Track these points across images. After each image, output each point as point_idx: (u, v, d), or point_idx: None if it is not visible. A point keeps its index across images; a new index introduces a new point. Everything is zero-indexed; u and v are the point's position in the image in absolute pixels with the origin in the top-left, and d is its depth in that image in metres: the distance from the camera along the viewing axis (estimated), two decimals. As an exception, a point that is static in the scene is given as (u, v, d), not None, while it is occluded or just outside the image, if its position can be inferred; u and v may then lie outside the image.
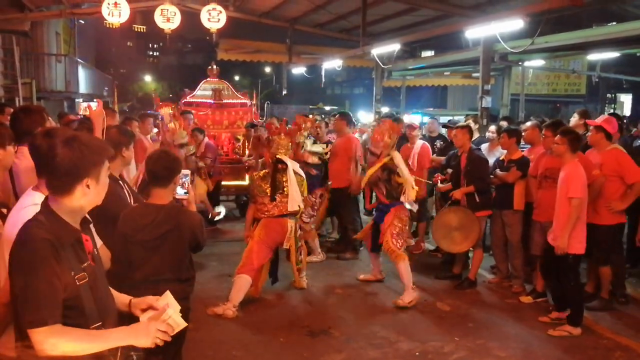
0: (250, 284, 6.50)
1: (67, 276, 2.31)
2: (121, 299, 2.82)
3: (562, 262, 5.88)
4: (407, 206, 6.85)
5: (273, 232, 6.64)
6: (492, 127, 8.84)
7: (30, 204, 2.77)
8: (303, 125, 7.74)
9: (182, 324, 2.53)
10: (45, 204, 2.43)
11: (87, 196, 2.41)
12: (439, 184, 7.85)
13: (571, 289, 5.99)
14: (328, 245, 9.18)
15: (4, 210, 3.31)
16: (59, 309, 2.26)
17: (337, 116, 9.30)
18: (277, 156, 6.69)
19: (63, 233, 2.37)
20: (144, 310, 2.71)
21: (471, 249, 7.41)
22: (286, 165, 6.65)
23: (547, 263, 6.20)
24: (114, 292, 2.83)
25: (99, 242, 2.90)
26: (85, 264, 2.43)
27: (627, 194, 6.34)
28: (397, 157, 6.81)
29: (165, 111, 6.84)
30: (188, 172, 4.23)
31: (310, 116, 10.83)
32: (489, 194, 7.20)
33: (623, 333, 5.97)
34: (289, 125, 8.25)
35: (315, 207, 8.04)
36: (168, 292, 2.81)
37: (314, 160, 8.14)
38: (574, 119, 7.85)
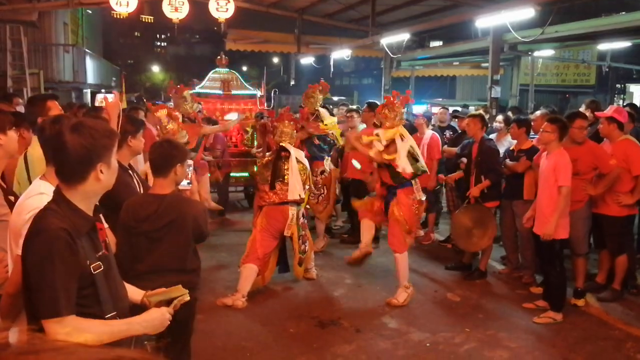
0: (256, 273, 6.49)
1: (83, 265, 2.30)
2: (136, 292, 2.83)
3: (549, 249, 5.95)
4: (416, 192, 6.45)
5: (274, 220, 6.59)
6: (500, 117, 8.78)
7: (35, 192, 2.76)
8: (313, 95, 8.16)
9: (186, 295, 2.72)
10: (58, 193, 2.40)
11: (100, 182, 2.39)
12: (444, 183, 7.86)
13: (555, 275, 6.04)
14: (342, 237, 9.15)
15: (12, 198, 3.31)
16: (73, 300, 2.25)
17: (365, 107, 9.11)
18: (281, 144, 6.65)
19: (79, 221, 2.35)
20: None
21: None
22: (289, 153, 6.61)
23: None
24: (126, 285, 2.83)
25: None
26: (100, 253, 2.42)
27: (638, 187, 6.30)
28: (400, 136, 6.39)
29: (162, 113, 6.71)
30: (191, 162, 4.20)
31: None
32: (498, 185, 7.16)
33: (634, 324, 5.94)
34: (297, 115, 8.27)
35: (319, 185, 8.01)
36: (179, 286, 2.83)
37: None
38: (582, 109, 7.78)
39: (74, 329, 2.22)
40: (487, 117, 9.14)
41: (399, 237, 6.45)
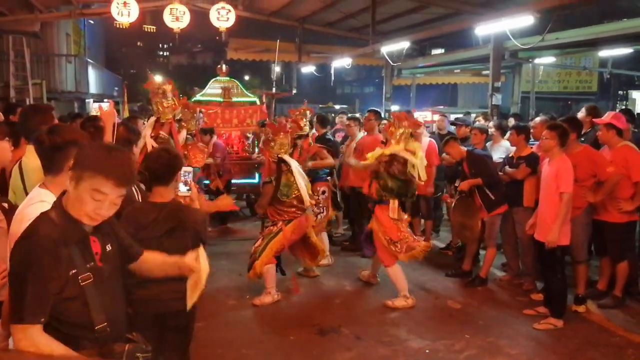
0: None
1: (63, 276, 2.32)
2: (168, 261, 3.07)
3: (550, 255, 5.93)
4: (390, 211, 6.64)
5: (300, 229, 6.79)
6: (491, 123, 8.79)
7: (37, 200, 2.77)
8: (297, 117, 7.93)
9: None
10: (58, 199, 2.44)
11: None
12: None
13: (557, 281, 6.02)
14: (343, 245, 9.15)
15: (5, 205, 3.31)
16: (42, 311, 2.27)
17: (367, 114, 9.10)
18: (279, 156, 6.72)
19: (69, 231, 2.37)
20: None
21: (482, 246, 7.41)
22: (289, 164, 6.69)
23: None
24: (158, 257, 3.04)
25: None
26: (90, 264, 2.43)
27: (638, 194, 6.29)
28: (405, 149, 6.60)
29: (167, 88, 6.77)
30: (190, 169, 4.21)
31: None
32: (501, 189, 7.12)
33: (635, 330, 5.91)
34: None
35: (320, 205, 8.00)
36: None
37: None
38: (581, 114, 7.72)
39: (33, 343, 2.24)
40: (487, 124, 9.17)
41: (383, 251, 6.65)
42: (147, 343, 2.62)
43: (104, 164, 2.35)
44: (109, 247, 2.60)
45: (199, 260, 2.88)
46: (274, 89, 10.64)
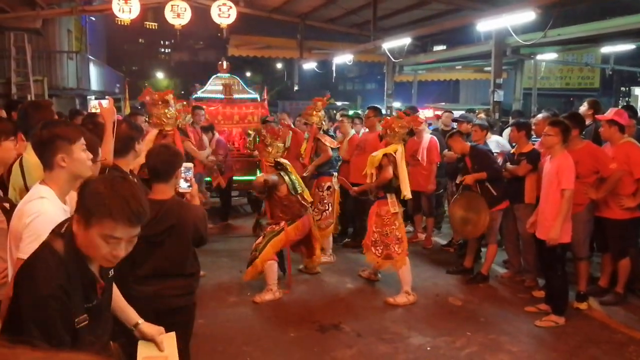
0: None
1: (67, 322, 2.16)
2: (129, 317, 2.80)
3: (551, 253, 5.92)
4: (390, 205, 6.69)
5: (302, 230, 6.92)
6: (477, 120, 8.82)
7: (36, 197, 2.76)
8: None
9: None
10: (70, 234, 2.22)
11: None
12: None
13: (557, 279, 6.01)
14: (344, 241, 9.13)
15: (7, 205, 3.31)
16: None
17: (368, 111, 9.05)
18: (277, 160, 6.86)
19: (75, 273, 2.20)
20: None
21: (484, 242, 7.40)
22: (285, 167, 6.82)
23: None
24: (123, 305, 2.81)
25: None
26: (90, 304, 2.26)
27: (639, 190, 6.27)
28: (398, 151, 6.67)
29: (169, 97, 6.76)
30: (191, 165, 4.20)
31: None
32: (503, 185, 7.10)
33: (637, 327, 5.90)
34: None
35: (325, 201, 8.00)
36: (173, 334, 2.81)
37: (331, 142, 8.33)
38: (583, 108, 7.68)
39: None
40: (485, 119, 9.15)
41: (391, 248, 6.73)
42: None
43: (109, 205, 2.10)
44: (111, 272, 2.49)
45: (171, 346, 2.75)
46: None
